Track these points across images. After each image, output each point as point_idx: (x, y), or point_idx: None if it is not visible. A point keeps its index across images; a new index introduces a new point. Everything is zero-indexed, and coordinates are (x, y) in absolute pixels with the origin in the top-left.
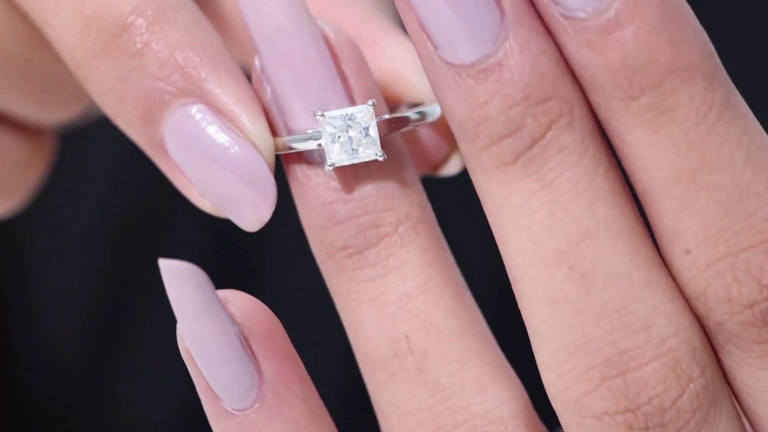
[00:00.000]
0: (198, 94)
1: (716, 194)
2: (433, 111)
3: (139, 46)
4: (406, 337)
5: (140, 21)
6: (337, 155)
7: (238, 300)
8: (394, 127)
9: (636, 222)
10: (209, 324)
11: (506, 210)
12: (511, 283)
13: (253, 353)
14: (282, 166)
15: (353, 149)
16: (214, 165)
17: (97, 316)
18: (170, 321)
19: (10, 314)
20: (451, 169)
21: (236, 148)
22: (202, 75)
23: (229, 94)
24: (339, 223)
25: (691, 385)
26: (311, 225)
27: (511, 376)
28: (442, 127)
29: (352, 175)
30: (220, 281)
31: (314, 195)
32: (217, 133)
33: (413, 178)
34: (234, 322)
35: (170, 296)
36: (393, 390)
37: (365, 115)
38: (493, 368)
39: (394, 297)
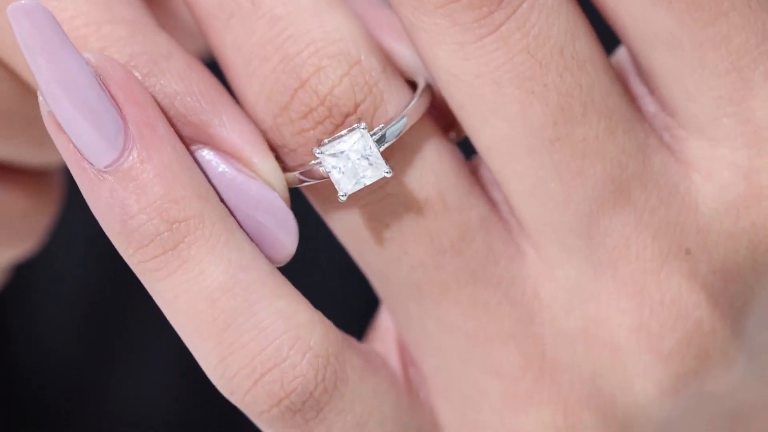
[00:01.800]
0: (205, 140)
1: None
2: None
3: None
4: None
5: (135, 75)
6: (346, 185)
7: (89, 50)
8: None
9: None
10: (64, 64)
11: None
12: None
13: (113, 97)
14: None
15: (360, 175)
16: (232, 207)
17: (95, 316)
18: (167, 322)
19: (9, 314)
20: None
21: (252, 188)
22: (206, 120)
23: (235, 135)
24: None
25: None
26: None
27: (344, 6)
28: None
29: None
30: None
31: None
32: (231, 176)
33: None
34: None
35: (21, 42)
36: (233, 33)
37: (360, 141)
38: None
39: None
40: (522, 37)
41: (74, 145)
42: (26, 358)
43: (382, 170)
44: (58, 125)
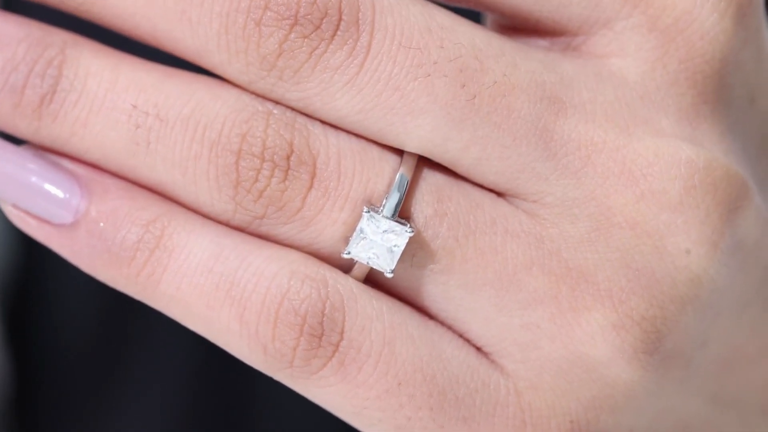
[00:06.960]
0: None
1: None
2: None
3: None
4: None
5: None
6: (386, 262)
7: None
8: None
9: None
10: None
11: None
12: None
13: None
14: None
15: (392, 244)
16: None
17: (113, 310)
18: (167, 341)
19: (32, 308)
20: None
21: None
22: None
23: None
24: None
25: None
26: None
27: (219, 81)
28: None
29: None
30: None
31: None
32: None
33: None
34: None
35: None
36: (159, 156)
37: (370, 223)
38: None
39: None
40: (391, 41)
41: (43, 220)
42: (46, 350)
43: (405, 232)
44: (23, 214)
